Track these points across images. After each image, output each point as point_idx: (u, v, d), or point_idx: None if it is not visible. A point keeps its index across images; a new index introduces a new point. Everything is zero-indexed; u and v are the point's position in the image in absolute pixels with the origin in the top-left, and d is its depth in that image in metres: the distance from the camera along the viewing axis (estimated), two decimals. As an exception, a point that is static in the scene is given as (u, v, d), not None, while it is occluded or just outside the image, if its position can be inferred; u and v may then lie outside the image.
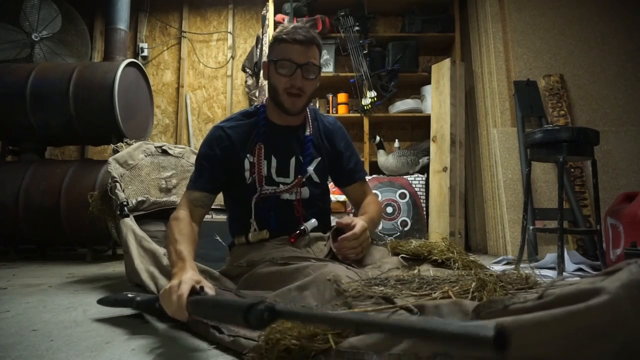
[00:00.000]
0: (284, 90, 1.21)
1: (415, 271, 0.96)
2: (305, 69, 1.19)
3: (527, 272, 0.80)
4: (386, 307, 0.74)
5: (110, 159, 1.83)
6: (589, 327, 0.47)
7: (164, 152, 2.09)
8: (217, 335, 0.94)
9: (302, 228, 1.24)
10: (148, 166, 1.99)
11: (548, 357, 0.49)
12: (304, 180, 1.28)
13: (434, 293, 0.77)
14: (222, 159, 1.26)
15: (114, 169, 1.80)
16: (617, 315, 0.45)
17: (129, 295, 1.16)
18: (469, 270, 0.93)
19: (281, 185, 1.26)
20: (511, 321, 0.51)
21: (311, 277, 0.95)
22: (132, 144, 2.01)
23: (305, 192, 1.29)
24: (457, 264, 1.00)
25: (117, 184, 1.73)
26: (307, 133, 1.31)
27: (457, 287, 0.78)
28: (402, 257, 1.12)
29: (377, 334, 0.65)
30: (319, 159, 1.32)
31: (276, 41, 1.22)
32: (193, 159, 1.98)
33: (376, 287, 0.81)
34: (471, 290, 0.76)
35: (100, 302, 1.24)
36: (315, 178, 1.31)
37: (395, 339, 0.62)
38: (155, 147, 2.07)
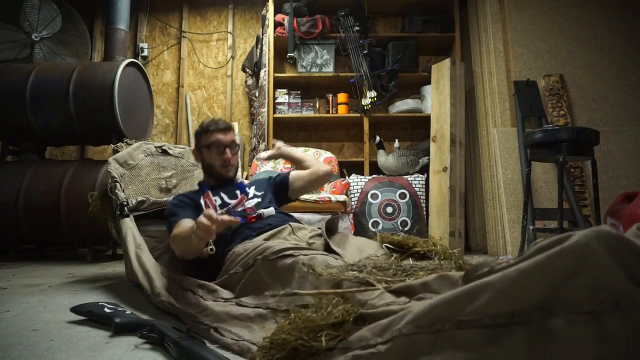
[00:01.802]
0: (220, 166, 1.59)
1: (393, 259, 0.97)
2: (230, 146, 1.59)
3: (505, 261, 0.80)
4: (368, 289, 0.76)
5: (110, 159, 1.83)
6: (563, 266, 0.50)
7: (164, 152, 2.09)
8: (217, 337, 0.94)
9: (259, 213, 1.50)
10: (148, 166, 1.99)
11: (532, 303, 0.51)
12: (247, 198, 1.58)
13: (409, 279, 0.79)
14: (190, 204, 1.54)
15: (114, 169, 1.79)
16: (587, 252, 0.49)
17: (106, 309, 1.12)
18: (448, 261, 0.95)
19: (232, 202, 1.55)
20: (500, 276, 0.54)
21: (304, 273, 0.96)
22: (132, 144, 2.01)
23: (252, 202, 1.58)
24: (438, 255, 1.01)
25: (117, 184, 1.74)
26: (239, 181, 1.67)
27: (433, 275, 0.79)
28: (386, 246, 1.13)
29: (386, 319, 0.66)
30: (254, 185, 1.68)
31: (204, 132, 1.60)
32: (193, 159, 1.99)
33: (351, 272, 0.83)
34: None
35: (74, 310, 1.18)
36: (257, 192, 1.63)
37: (397, 320, 0.63)
38: (155, 147, 2.07)
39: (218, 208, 1.53)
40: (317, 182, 1.72)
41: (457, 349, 0.54)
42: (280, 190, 1.70)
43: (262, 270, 1.09)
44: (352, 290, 0.76)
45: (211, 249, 1.27)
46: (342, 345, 0.66)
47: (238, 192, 1.60)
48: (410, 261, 0.98)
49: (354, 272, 0.83)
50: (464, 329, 0.54)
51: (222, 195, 1.58)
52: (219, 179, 1.61)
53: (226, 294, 1.15)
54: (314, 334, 0.67)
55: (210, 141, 1.57)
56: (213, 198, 1.55)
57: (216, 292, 1.16)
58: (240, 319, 0.97)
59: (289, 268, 1.01)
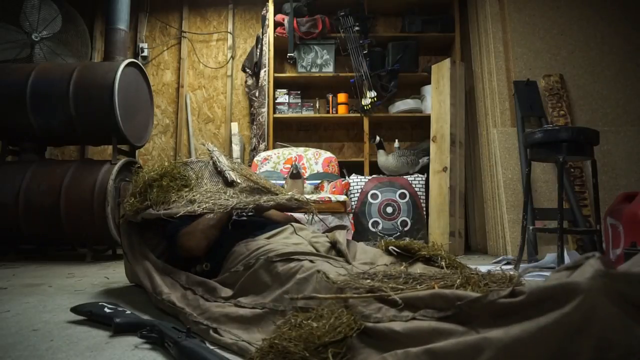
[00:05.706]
0: None
1: (402, 267, 0.98)
2: None
3: (511, 272, 0.80)
4: (371, 295, 0.76)
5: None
6: (567, 330, 0.50)
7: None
8: (216, 337, 0.94)
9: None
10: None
11: None
12: None
13: (419, 286, 0.79)
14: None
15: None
16: (591, 310, 0.48)
17: (106, 309, 1.12)
18: (454, 270, 0.96)
19: None
20: (502, 334, 0.54)
21: (305, 275, 0.97)
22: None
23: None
24: (444, 261, 1.02)
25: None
26: None
27: (442, 283, 0.79)
28: (392, 249, 1.13)
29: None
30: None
31: None
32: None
33: (364, 280, 0.83)
34: (456, 286, 0.77)
35: (74, 310, 1.17)
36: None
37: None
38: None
39: None
40: None
41: None
42: None
43: (263, 270, 1.09)
44: (367, 296, 0.75)
45: (206, 266, 1.32)
46: None
47: None
48: (418, 269, 0.98)
49: (367, 280, 0.83)
50: None
51: None
52: None
53: (225, 292, 1.15)
54: (316, 348, 0.67)
55: None
56: None
57: (215, 290, 1.16)
58: (238, 320, 0.97)
59: (290, 272, 1.01)
